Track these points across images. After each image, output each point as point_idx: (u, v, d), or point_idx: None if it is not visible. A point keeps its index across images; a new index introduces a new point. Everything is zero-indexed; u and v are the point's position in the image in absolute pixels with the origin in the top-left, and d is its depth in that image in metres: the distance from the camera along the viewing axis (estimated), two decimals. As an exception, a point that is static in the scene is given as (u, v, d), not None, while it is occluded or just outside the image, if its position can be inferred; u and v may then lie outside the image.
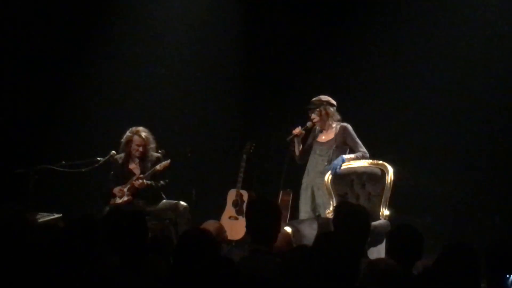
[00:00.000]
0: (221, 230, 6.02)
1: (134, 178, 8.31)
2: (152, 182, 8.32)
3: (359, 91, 10.09)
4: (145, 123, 8.65)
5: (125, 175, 8.45)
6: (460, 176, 9.53)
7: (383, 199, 7.88)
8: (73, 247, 4.48)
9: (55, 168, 8.39)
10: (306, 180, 8.35)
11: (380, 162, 7.99)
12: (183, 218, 8.23)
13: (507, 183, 9.42)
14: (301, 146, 8.44)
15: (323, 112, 8.27)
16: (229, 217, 9.18)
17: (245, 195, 9.21)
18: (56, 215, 7.92)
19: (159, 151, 8.54)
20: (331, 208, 7.97)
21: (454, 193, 9.43)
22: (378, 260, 4.81)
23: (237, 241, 8.86)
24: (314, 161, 8.30)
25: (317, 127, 8.37)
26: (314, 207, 8.24)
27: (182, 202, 8.38)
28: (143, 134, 8.38)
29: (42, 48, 9.94)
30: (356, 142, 8.15)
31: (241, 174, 9.20)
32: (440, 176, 9.64)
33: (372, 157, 8.07)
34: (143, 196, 8.36)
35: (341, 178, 8.11)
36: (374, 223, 7.20)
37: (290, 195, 9.12)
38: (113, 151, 8.56)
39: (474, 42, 9.59)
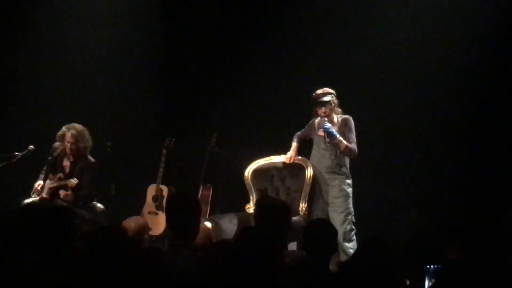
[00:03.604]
0: (144, 226, 6.00)
1: (57, 176, 8.21)
2: (79, 194, 8.16)
3: (282, 89, 10.14)
4: (64, 117, 8.56)
5: (56, 168, 8.35)
6: (377, 171, 9.66)
7: (302, 194, 7.92)
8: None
9: (-30, 163, 8.25)
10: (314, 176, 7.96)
11: (300, 157, 8.04)
12: (100, 220, 8.07)
13: (423, 177, 9.61)
14: (296, 147, 8.09)
15: (332, 105, 7.84)
16: (149, 212, 9.15)
17: (165, 190, 9.19)
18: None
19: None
20: (251, 203, 8.02)
21: (371, 189, 9.53)
22: (287, 252, 4.89)
23: (157, 236, 8.83)
24: (319, 156, 7.93)
25: (316, 120, 7.92)
26: (323, 205, 7.91)
27: (99, 205, 8.31)
28: (73, 132, 8.21)
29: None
30: (351, 135, 7.79)
31: (161, 169, 9.17)
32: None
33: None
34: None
35: (261, 172, 8.16)
36: (294, 218, 7.24)
37: (210, 190, 9.16)
38: (31, 146, 8.46)
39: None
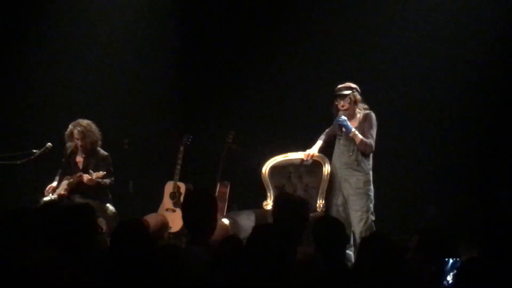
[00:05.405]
0: (164, 223, 5.98)
1: (77, 174, 8.24)
2: (101, 180, 8.21)
3: (299, 86, 10.11)
4: (82, 114, 8.57)
5: (70, 166, 8.41)
6: (396, 167, 9.62)
7: (320, 191, 7.91)
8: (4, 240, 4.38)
9: (-11, 160, 8.28)
10: (333, 172, 7.90)
11: (317, 154, 8.01)
12: (110, 223, 7.95)
13: (441, 174, 9.57)
14: (319, 144, 8.06)
15: (353, 99, 7.75)
16: (167, 209, 9.15)
17: (182, 187, 9.18)
18: (-10, 208, 7.82)
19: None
20: (269, 200, 8.01)
21: (389, 185, 9.49)
22: (300, 249, 4.87)
23: (174, 233, 8.83)
24: (339, 152, 7.84)
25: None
26: (343, 201, 7.80)
27: (111, 207, 8.31)
28: (79, 129, 8.27)
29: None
30: (370, 130, 7.69)
31: (179, 166, 9.17)
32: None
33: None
34: (86, 194, 8.24)
35: (278, 169, 8.15)
36: (311, 214, 7.22)
37: (228, 187, 9.13)
38: (49, 143, 8.48)
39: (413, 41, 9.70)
